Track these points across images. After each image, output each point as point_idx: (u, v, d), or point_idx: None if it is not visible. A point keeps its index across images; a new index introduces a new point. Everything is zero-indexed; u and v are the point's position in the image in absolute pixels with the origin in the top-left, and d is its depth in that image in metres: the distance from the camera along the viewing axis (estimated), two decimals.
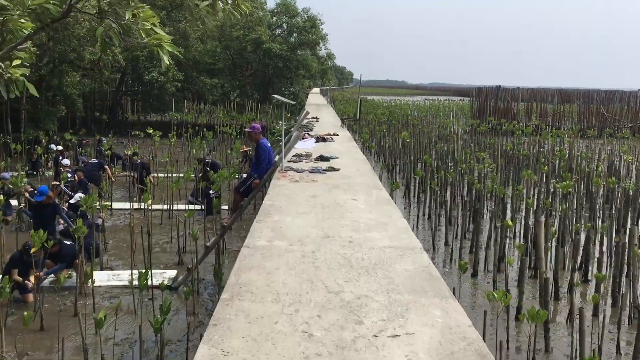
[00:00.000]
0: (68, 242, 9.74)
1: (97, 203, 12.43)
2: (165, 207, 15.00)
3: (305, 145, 13.73)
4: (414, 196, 17.85)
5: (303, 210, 7.05)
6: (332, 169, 10.52)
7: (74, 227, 9.17)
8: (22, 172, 18.22)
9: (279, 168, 10.10)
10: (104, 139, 22.02)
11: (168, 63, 3.55)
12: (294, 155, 11.93)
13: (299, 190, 8.47)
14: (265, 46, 37.28)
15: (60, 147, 20.38)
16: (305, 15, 41.24)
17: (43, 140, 22.00)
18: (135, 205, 14.93)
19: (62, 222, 11.19)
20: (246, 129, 10.39)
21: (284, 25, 41.99)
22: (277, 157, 10.67)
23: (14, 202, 13.83)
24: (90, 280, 8.11)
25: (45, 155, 18.44)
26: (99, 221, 12.35)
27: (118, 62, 27.97)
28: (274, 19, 41.90)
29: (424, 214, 15.49)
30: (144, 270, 7.16)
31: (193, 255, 10.18)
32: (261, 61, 39.30)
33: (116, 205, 15.82)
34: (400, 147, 25.59)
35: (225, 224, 10.03)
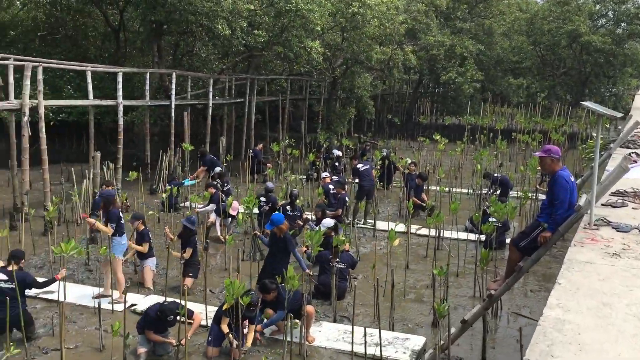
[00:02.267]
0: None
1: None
2: (432, 232, 12.14)
3: (634, 175, 9.03)
4: None
5: (629, 354, 3.28)
6: None
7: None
8: (301, 177, 17.46)
9: (584, 220, 6.23)
10: (385, 150, 20.10)
11: None
12: (613, 193, 7.70)
13: (621, 284, 4.37)
14: (583, 39, 31.33)
15: (339, 153, 19.26)
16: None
17: (323, 145, 21.28)
18: (400, 228, 11.30)
19: None
20: (536, 153, 6.78)
21: (610, 13, 35.10)
22: (582, 198, 6.65)
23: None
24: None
25: (320, 162, 17.43)
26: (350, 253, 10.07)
27: (409, 62, 26.20)
28: (597, 6, 35.30)
29: None
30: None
31: (444, 324, 7.19)
32: (577, 57, 33.51)
33: (380, 224, 13.64)
34: None
35: (492, 292, 6.78)
